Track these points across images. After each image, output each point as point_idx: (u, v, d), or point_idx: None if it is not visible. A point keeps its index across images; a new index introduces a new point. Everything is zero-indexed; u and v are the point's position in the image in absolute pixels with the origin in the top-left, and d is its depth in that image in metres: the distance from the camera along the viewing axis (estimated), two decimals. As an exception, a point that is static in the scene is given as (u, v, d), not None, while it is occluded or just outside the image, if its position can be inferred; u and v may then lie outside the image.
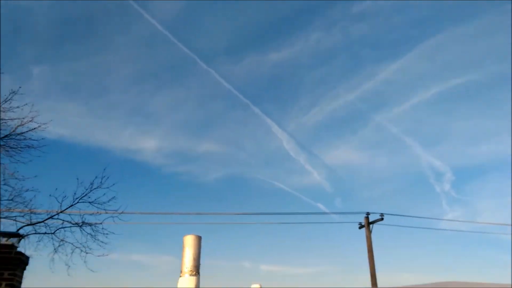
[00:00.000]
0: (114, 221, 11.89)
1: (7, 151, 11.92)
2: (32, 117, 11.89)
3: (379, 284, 21.28)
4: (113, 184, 11.79)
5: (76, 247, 11.55)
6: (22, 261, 5.82)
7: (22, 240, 10.89)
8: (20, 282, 5.91)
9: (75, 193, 11.57)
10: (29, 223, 11.57)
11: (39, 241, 11.44)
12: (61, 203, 11.42)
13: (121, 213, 11.77)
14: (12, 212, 11.92)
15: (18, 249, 5.78)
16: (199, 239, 5.63)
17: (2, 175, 11.84)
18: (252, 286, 12.61)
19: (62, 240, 11.57)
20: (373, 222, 22.15)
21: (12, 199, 11.92)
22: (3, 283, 5.54)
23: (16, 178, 11.98)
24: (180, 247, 6.09)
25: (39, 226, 11.61)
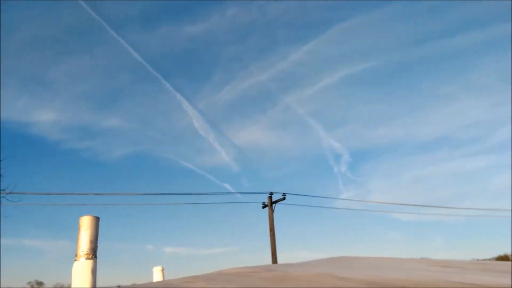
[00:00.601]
0: (1, 203, 10.86)
1: None
2: None
3: (279, 261, 22.28)
4: (0, 161, 10.73)
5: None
6: None
7: None
8: None
9: (-47, 172, 10.31)
10: None
11: None
12: None
13: (9, 193, 10.79)
14: None
15: None
16: (96, 220, 5.34)
17: None
18: (154, 269, 12.39)
19: None
20: (275, 202, 23.00)
21: None
22: None
23: None
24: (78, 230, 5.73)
25: None
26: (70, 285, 5.29)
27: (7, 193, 10.82)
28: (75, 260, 5.27)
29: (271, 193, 23.18)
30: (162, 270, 12.36)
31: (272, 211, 22.96)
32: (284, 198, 22.86)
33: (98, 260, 5.44)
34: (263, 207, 23.62)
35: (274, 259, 22.17)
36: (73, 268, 5.27)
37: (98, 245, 5.43)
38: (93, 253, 5.30)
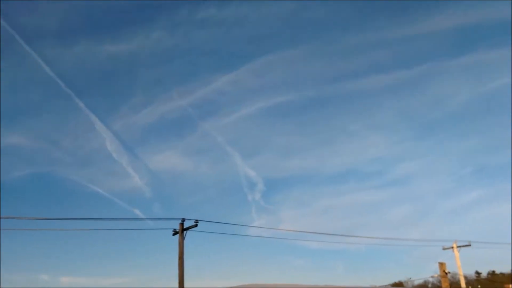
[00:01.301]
0: None
1: None
2: None
3: (187, 290, 21.55)
4: None
5: None
6: None
7: None
8: None
9: None
10: None
11: None
12: None
13: None
14: None
15: None
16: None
17: None
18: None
19: None
20: (187, 229, 22.35)
21: None
22: None
23: None
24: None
25: None
26: None
27: None
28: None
29: (183, 220, 22.50)
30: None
31: (182, 238, 22.25)
32: (196, 225, 22.29)
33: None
34: (174, 234, 22.83)
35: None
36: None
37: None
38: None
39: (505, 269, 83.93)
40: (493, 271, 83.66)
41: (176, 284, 21.67)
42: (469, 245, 37.59)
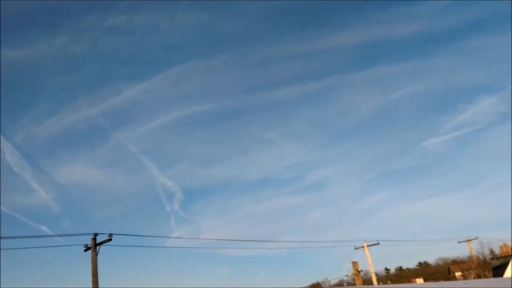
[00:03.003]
0: None
1: None
2: None
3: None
4: None
5: None
6: None
7: None
8: None
9: None
10: None
11: None
12: None
13: None
14: None
15: None
16: None
17: None
18: None
19: None
20: (100, 244, 21.31)
21: None
22: None
23: None
24: None
25: None
26: None
27: None
28: None
29: (96, 234, 21.40)
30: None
31: (95, 254, 21.15)
32: (110, 239, 21.32)
33: None
34: (86, 250, 21.61)
35: (96, 307, 20.28)
36: None
37: None
38: None
39: (411, 264, 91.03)
40: (400, 267, 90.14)
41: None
42: (378, 243, 40.24)
